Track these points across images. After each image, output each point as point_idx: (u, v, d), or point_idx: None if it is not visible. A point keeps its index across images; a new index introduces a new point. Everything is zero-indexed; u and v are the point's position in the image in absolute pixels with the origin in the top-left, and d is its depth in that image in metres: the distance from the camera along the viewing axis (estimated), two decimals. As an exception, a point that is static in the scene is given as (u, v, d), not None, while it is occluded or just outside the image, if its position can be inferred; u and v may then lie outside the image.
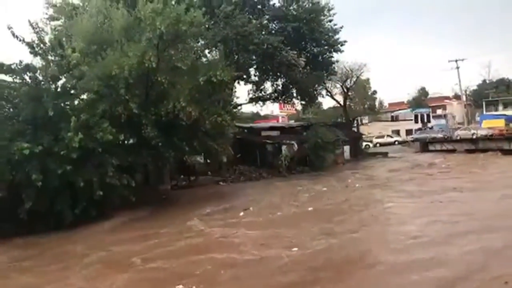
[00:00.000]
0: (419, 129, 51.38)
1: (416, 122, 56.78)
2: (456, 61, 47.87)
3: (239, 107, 30.27)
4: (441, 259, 7.65)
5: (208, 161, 24.21)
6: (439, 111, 62.27)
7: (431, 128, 50.13)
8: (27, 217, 12.57)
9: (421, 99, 64.99)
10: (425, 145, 37.19)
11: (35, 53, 14.80)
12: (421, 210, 12.46)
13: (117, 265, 9.16)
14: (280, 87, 30.01)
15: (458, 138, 35.00)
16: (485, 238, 8.63)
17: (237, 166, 25.26)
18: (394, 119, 60.98)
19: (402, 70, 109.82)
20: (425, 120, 57.01)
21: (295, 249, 9.05)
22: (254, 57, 26.40)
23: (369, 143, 46.70)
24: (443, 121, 56.83)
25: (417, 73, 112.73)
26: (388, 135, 51.90)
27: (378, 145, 48.15)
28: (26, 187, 12.51)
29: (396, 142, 48.55)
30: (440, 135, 38.50)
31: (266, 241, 9.95)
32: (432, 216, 11.24)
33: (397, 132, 54.30)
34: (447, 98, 65.47)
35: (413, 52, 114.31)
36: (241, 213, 13.95)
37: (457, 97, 59.14)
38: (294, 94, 30.79)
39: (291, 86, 29.52)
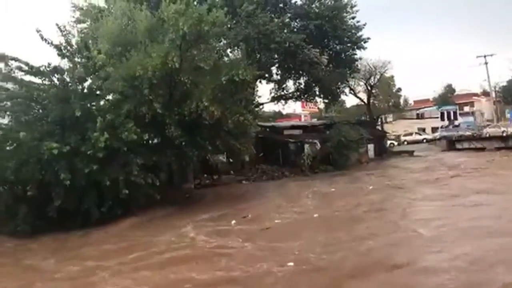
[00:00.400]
0: (446, 126, 50.03)
1: (443, 119, 55.34)
2: (485, 56, 46.27)
3: (261, 106, 30.32)
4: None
5: (231, 160, 24.32)
6: (466, 108, 60.47)
7: (458, 125, 48.72)
8: (57, 215, 12.99)
9: (447, 96, 63.28)
10: (452, 143, 36.23)
11: (62, 55, 15.20)
12: (445, 214, 11.16)
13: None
14: (302, 86, 29.77)
15: (487, 135, 33.90)
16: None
17: (260, 165, 25.26)
18: (420, 116, 59.65)
19: (428, 67, 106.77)
20: (452, 118, 55.53)
21: (291, 264, 8.08)
22: (276, 56, 26.29)
23: (393, 142, 45.76)
24: (471, 119, 55.15)
25: (444, 69, 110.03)
26: (416, 133, 50.46)
27: (405, 143, 47.00)
28: (55, 186, 12.90)
29: (425, 140, 47.24)
30: (468, 133, 37.33)
31: (261, 253, 9.04)
32: (462, 229, 9.59)
33: (422, 130, 53.03)
34: (475, 95, 63.47)
35: (439, 48, 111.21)
36: (233, 221, 12.70)
37: (485, 93, 57.23)
38: (317, 92, 30.50)
39: (313, 84, 29.24)
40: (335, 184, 19.76)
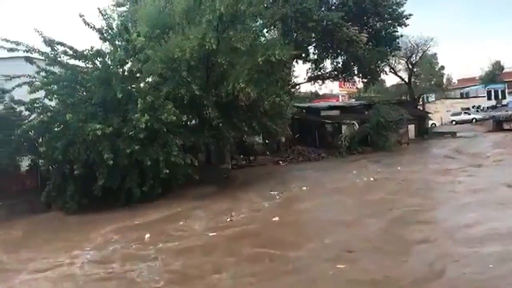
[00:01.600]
0: (493, 106, 47.52)
1: (489, 99, 52.63)
2: (538, 30, 43.19)
3: (297, 87, 30.06)
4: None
5: (267, 141, 24.43)
6: (516, 86, 57.09)
7: (506, 105, 46.12)
8: (101, 194, 13.64)
9: (495, 74, 59.91)
10: (498, 124, 34.39)
11: (104, 39, 15.63)
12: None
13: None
14: (340, 65, 29.05)
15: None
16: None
17: (296, 146, 25.18)
18: (464, 96, 56.94)
19: (474, 44, 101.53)
20: (500, 97, 52.63)
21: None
22: (313, 35, 25.73)
23: (435, 122, 44.01)
24: (521, 97, 52.10)
25: (491, 46, 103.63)
26: (465, 112, 48.05)
27: (453, 122, 44.98)
28: (100, 165, 13.49)
29: (474, 120, 44.95)
30: None
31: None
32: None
33: (466, 109, 50.57)
34: (526, 71, 59.68)
35: (487, 23, 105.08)
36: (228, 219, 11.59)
37: (538, 70, 53.77)
38: (355, 72, 29.66)
39: (352, 64, 28.45)
40: (374, 167, 19.32)
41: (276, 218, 11.00)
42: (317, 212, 11.95)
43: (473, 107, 48.73)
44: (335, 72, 29.75)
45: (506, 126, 33.24)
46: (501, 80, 57.33)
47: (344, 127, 26.52)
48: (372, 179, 15.75)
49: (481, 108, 48.77)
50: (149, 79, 16.12)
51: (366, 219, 10.17)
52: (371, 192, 13.53)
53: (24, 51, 14.36)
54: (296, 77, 28.59)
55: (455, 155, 21.20)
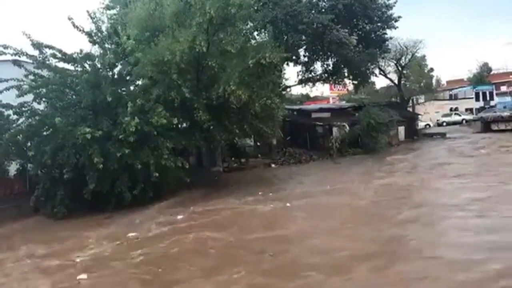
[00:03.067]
0: (482, 107, 48.12)
1: (478, 100, 53.19)
2: (524, 32, 43.89)
3: (288, 89, 30.13)
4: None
5: (258, 143, 24.42)
6: (503, 88, 57.83)
7: (494, 106, 46.73)
8: (91, 198, 13.50)
9: (483, 76, 60.67)
10: (487, 125, 34.83)
11: (93, 42, 15.52)
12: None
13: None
14: (330, 67, 29.21)
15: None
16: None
17: (287, 149, 25.23)
18: (453, 97, 57.54)
19: (462, 46, 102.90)
20: (488, 98, 53.27)
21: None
22: (303, 37, 25.84)
23: (429, 123, 44.49)
24: (508, 99, 52.78)
25: (479, 48, 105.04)
26: (456, 113, 48.69)
27: (444, 124, 45.57)
28: (89, 169, 13.36)
29: (464, 121, 45.52)
30: (506, 113, 35.54)
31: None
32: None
33: (455, 110, 51.15)
34: (513, 73, 60.56)
35: (475, 26, 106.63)
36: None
37: (525, 72, 54.57)
38: (346, 74, 29.89)
39: (342, 66, 28.64)
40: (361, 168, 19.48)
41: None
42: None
43: (450, 109, 49.58)
44: (326, 75, 29.88)
45: (494, 127, 33.69)
46: (489, 81, 58.10)
47: (335, 129, 26.64)
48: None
49: (457, 110, 49.68)
50: (139, 82, 16.05)
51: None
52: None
53: (12, 54, 14.21)
54: (287, 79, 28.62)
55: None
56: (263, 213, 12.02)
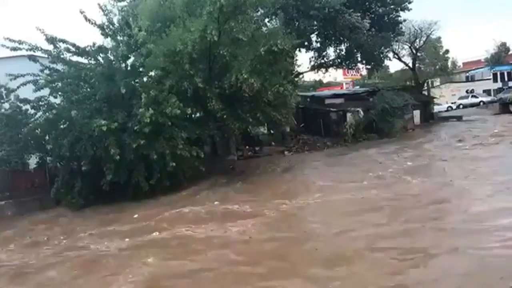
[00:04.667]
0: (500, 89, 46.97)
1: (495, 81, 51.90)
2: (544, 10, 42.48)
3: (301, 76, 29.89)
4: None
5: (272, 131, 24.39)
6: (522, 68, 56.27)
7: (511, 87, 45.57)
8: (108, 188, 13.78)
9: (501, 56, 59.06)
10: (505, 106, 34.08)
11: (105, 35, 15.66)
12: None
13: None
14: (343, 52, 28.83)
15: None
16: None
17: (301, 136, 25.13)
18: (470, 79, 56.27)
19: (478, 25, 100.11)
20: (506, 79, 51.93)
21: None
22: (315, 23, 25.50)
23: (451, 105, 43.87)
24: (528, 78, 51.37)
25: (497, 27, 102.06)
26: (473, 95, 47.72)
27: (461, 106, 44.81)
28: (106, 161, 13.60)
29: (482, 103, 44.58)
30: None
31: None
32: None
33: (471, 92, 50.06)
34: (533, 52, 58.77)
35: (492, 4, 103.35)
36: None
37: (545, 51, 52.92)
38: (359, 59, 29.46)
39: (355, 50, 28.23)
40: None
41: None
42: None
43: (466, 91, 48.57)
44: (339, 60, 29.52)
45: (512, 108, 32.96)
46: (507, 62, 56.56)
47: (349, 115, 26.38)
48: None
49: (473, 92, 48.54)
50: (152, 73, 16.15)
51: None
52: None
53: (27, 50, 14.44)
54: (299, 66, 28.42)
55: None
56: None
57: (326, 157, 20.23)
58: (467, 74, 57.33)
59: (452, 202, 10.22)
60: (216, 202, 12.49)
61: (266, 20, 23.63)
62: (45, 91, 14.67)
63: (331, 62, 29.87)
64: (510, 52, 60.16)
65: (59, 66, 15.02)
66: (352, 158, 18.60)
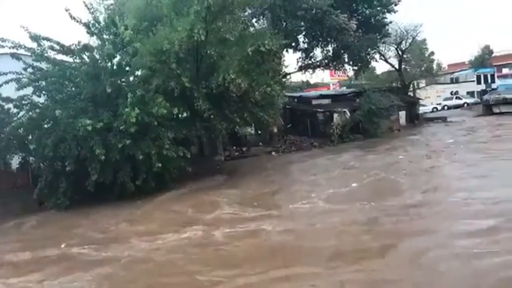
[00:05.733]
0: (483, 90, 47.90)
1: (479, 83, 52.89)
2: (526, 14, 43.42)
3: (288, 76, 29.94)
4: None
5: (259, 132, 24.42)
6: (505, 70, 57.42)
7: (496, 89, 46.48)
8: (93, 189, 13.58)
9: (484, 58, 60.18)
10: (488, 108, 34.70)
11: (91, 33, 15.44)
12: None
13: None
14: (330, 53, 28.99)
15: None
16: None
17: (288, 136, 25.21)
18: (454, 81, 57.21)
19: (463, 28, 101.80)
20: (489, 81, 52.95)
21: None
22: (302, 23, 25.63)
23: (436, 106, 44.50)
24: (510, 81, 52.43)
25: (480, 30, 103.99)
26: (457, 97, 48.67)
27: (446, 107, 45.57)
28: (91, 161, 13.41)
29: (466, 104, 45.44)
30: (510, 96, 35.22)
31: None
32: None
33: (455, 93, 50.99)
34: (515, 55, 60.00)
35: (476, 7, 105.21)
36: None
37: (527, 53, 54.12)
38: (346, 60, 29.65)
39: (342, 52, 28.42)
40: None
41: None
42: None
43: (451, 93, 49.58)
44: (326, 61, 29.67)
45: (495, 110, 33.58)
46: (490, 64, 57.64)
47: (335, 116, 26.54)
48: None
49: (457, 94, 49.55)
50: (138, 73, 15.98)
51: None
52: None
53: (10, 48, 14.16)
54: (286, 66, 28.42)
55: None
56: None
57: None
58: (452, 76, 58.29)
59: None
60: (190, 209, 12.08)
61: (254, 20, 23.65)
62: (28, 90, 14.39)
63: (318, 63, 30.00)
64: (493, 55, 61.36)
65: (43, 65, 14.75)
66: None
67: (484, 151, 16.28)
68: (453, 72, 58.71)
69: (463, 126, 27.42)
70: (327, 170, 15.96)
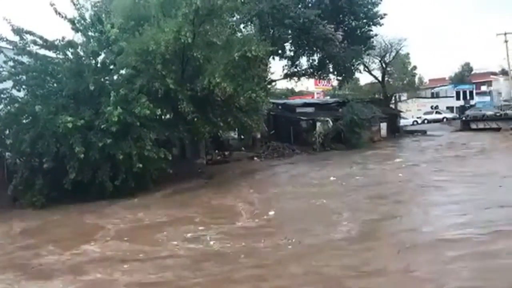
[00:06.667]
0: (462, 106, 49.20)
1: (458, 99, 54.35)
2: (505, 34, 44.98)
3: (273, 83, 30.17)
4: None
5: (242, 137, 24.44)
6: (483, 88, 59.19)
7: (474, 105, 47.81)
8: (71, 187, 13.32)
9: (464, 75, 61.94)
10: (466, 123, 35.67)
11: (76, 29, 15.23)
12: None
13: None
14: (316, 63, 29.32)
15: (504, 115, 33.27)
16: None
17: (271, 142, 25.30)
18: (435, 95, 58.64)
19: (445, 45, 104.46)
20: (468, 97, 54.45)
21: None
22: (289, 32, 25.89)
23: (417, 120, 45.40)
24: (487, 98, 54.07)
25: (461, 48, 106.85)
26: (437, 111, 49.87)
27: (425, 121, 46.58)
28: (70, 159, 13.18)
29: (445, 119, 46.54)
30: (490, 113, 36.35)
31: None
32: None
33: (435, 108, 52.31)
34: (493, 73, 61.96)
35: (458, 25, 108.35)
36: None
37: (504, 72, 55.87)
38: (331, 70, 30.03)
39: (327, 61, 28.76)
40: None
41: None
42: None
43: (431, 107, 50.99)
44: (311, 70, 29.98)
45: (473, 126, 34.50)
46: (469, 81, 59.33)
47: (318, 124, 26.82)
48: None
49: (438, 108, 51.04)
50: (123, 72, 15.83)
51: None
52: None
53: (-10, 40, 13.84)
54: (272, 73, 28.68)
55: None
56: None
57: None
58: (433, 90, 59.78)
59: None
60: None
61: (242, 26, 23.71)
62: (8, 84, 14.08)
63: (303, 71, 30.29)
64: (472, 72, 63.16)
65: (25, 59, 14.45)
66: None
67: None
68: (434, 87, 60.22)
69: (439, 141, 27.73)
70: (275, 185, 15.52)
